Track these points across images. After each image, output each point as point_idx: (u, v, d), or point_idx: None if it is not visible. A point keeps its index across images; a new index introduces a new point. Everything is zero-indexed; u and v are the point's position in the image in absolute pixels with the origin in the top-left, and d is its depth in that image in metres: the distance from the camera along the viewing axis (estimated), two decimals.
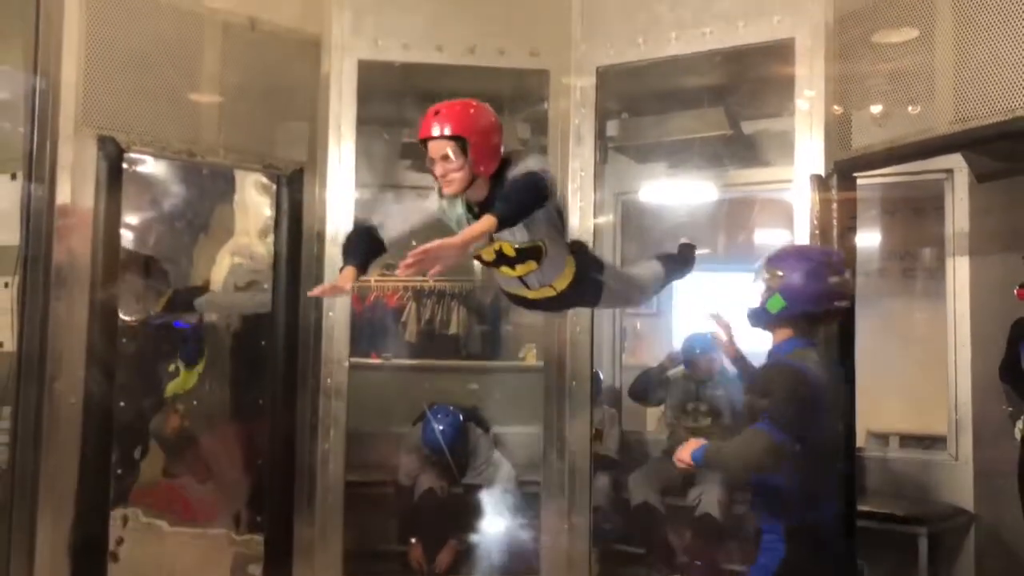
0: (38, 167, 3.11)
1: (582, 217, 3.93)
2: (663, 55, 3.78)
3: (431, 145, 2.46)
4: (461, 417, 4.66)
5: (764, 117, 4.60)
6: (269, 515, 3.74)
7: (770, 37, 3.54)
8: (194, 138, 3.48)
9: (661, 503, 4.45)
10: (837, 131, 3.34)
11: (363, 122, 3.88)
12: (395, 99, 4.46)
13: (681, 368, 4.73)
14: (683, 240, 3.36)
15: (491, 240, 2.53)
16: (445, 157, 2.43)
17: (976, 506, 4.04)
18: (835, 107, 3.35)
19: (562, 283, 2.75)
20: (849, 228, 3.29)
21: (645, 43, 3.79)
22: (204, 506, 4.10)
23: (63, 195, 3.14)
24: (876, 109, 3.23)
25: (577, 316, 3.89)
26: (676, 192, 5.02)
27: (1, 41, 3.34)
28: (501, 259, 2.63)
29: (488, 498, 4.50)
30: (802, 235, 3.37)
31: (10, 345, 3.10)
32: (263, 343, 3.83)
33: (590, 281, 2.81)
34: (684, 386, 4.70)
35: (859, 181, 3.32)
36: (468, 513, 4.48)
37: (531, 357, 5.77)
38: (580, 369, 3.91)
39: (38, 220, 3.10)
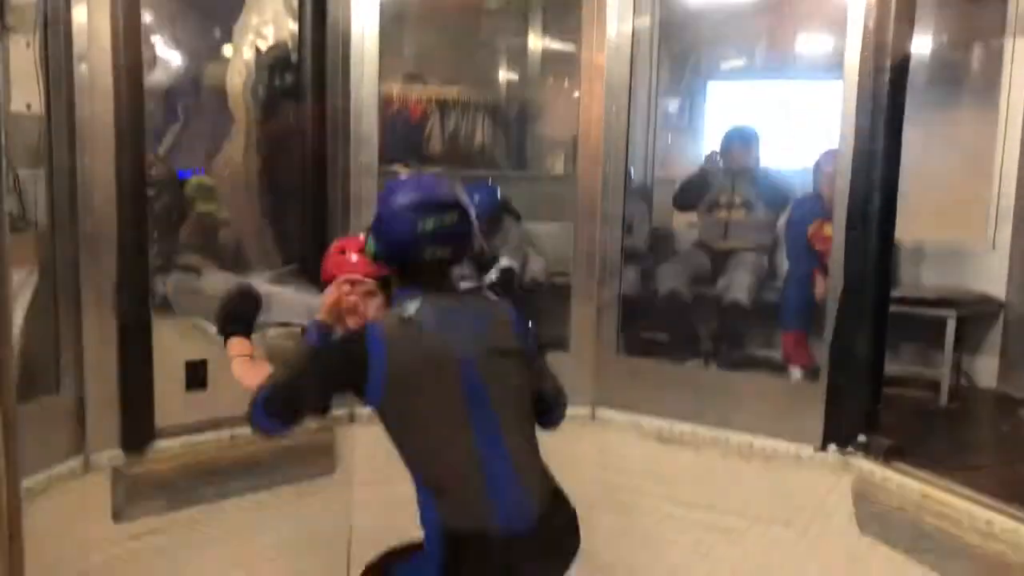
0: None
1: (620, 20, 3.72)
2: None
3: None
4: (498, 192, 4.65)
5: None
6: None
7: None
8: None
9: (688, 291, 4.46)
10: None
11: None
12: None
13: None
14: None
15: None
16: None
17: (1008, 295, 4.04)
18: None
19: None
20: (907, 20, 2.98)
21: None
22: None
23: None
24: None
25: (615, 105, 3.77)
26: None
27: None
28: None
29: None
30: (854, 36, 3.09)
31: (37, 108, 3.04)
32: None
33: None
34: (720, 178, 4.60)
35: None
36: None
37: (560, 166, 5.66)
38: (614, 168, 3.83)
39: None
